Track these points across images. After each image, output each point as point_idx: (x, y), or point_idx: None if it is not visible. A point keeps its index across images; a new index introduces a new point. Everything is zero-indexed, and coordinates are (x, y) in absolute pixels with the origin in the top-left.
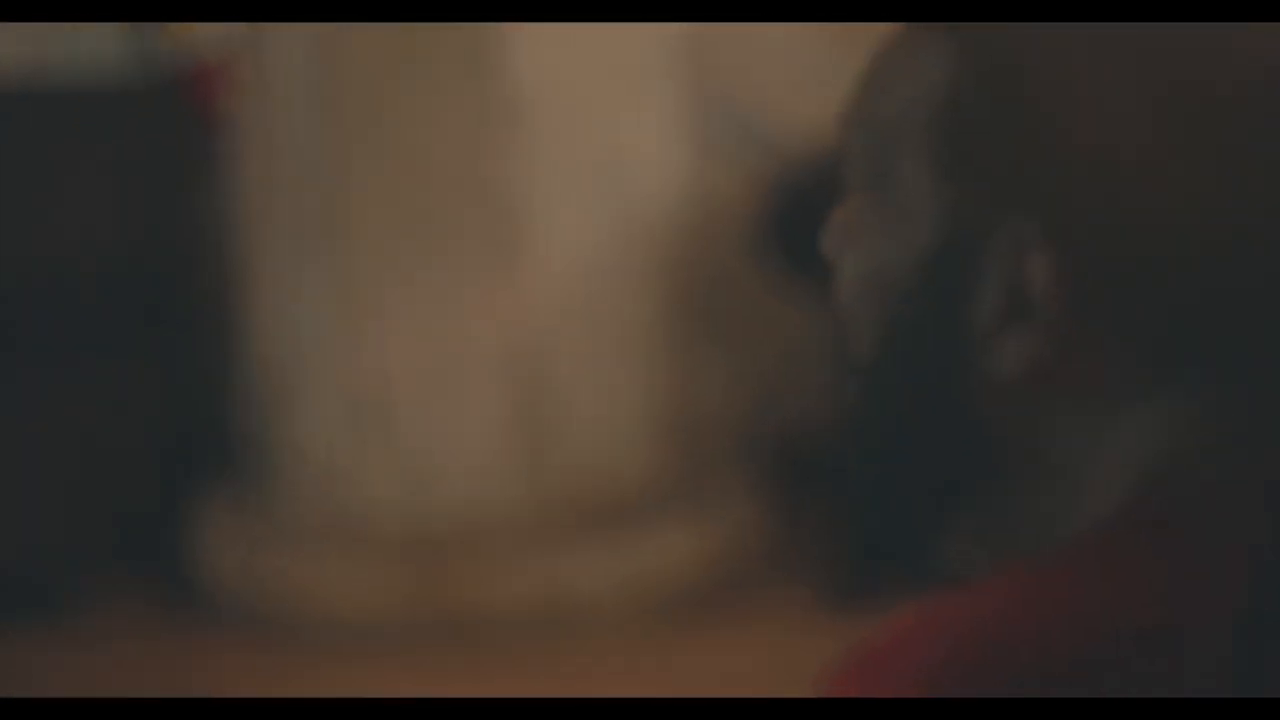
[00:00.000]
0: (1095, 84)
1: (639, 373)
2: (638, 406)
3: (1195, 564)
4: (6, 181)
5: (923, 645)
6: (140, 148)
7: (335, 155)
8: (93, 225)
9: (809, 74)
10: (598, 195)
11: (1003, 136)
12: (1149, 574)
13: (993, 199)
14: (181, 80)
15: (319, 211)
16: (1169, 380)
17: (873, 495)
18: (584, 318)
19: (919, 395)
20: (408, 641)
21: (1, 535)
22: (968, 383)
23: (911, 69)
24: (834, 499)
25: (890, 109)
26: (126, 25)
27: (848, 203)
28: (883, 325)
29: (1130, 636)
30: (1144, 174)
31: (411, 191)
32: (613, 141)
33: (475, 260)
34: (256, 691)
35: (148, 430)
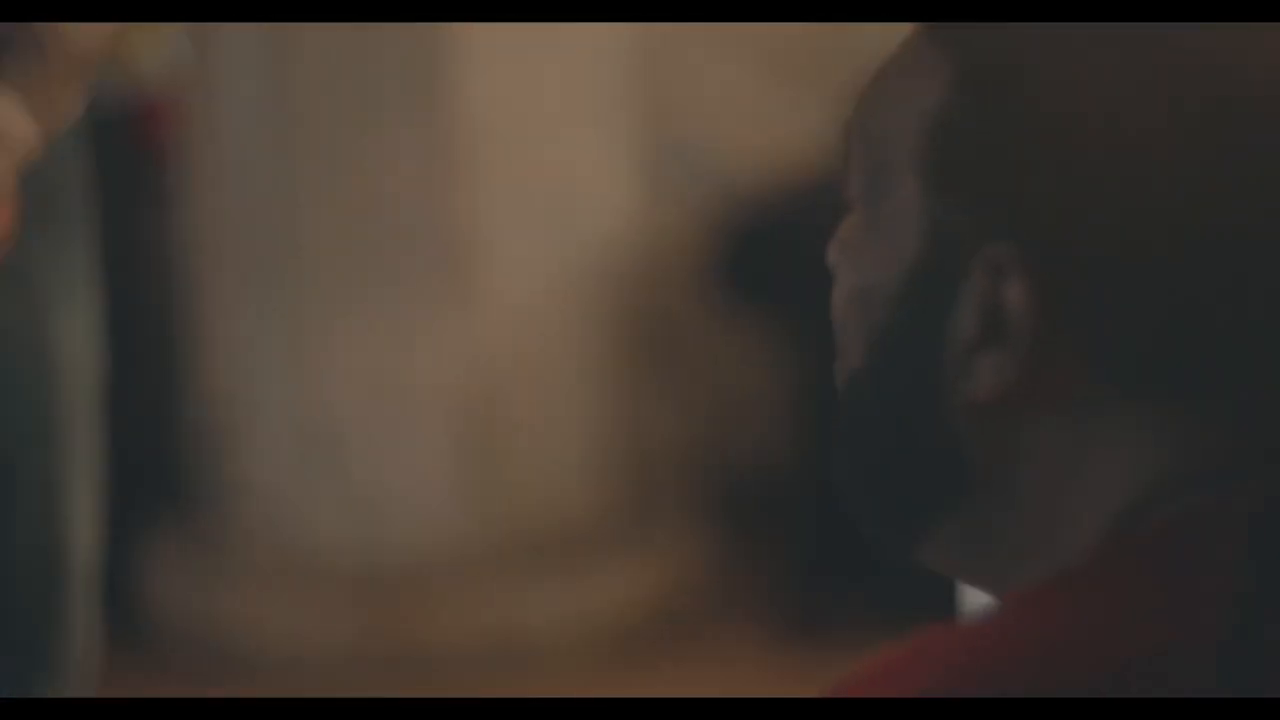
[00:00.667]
0: (1085, 112)
1: (589, 409)
2: (588, 442)
3: (1180, 590)
4: None
5: (912, 678)
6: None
7: (285, 190)
8: None
9: (762, 112)
10: (548, 231)
11: (988, 159)
12: (1135, 601)
13: (975, 221)
14: (130, 114)
15: (268, 246)
16: (1149, 405)
17: (852, 510)
18: (534, 353)
19: (899, 411)
20: (358, 677)
21: None
22: (946, 401)
23: (906, 88)
24: (785, 534)
25: (884, 126)
26: None
27: (848, 218)
28: (868, 340)
29: (1119, 665)
30: (1128, 203)
31: (362, 226)
32: (564, 177)
33: (426, 296)
34: None
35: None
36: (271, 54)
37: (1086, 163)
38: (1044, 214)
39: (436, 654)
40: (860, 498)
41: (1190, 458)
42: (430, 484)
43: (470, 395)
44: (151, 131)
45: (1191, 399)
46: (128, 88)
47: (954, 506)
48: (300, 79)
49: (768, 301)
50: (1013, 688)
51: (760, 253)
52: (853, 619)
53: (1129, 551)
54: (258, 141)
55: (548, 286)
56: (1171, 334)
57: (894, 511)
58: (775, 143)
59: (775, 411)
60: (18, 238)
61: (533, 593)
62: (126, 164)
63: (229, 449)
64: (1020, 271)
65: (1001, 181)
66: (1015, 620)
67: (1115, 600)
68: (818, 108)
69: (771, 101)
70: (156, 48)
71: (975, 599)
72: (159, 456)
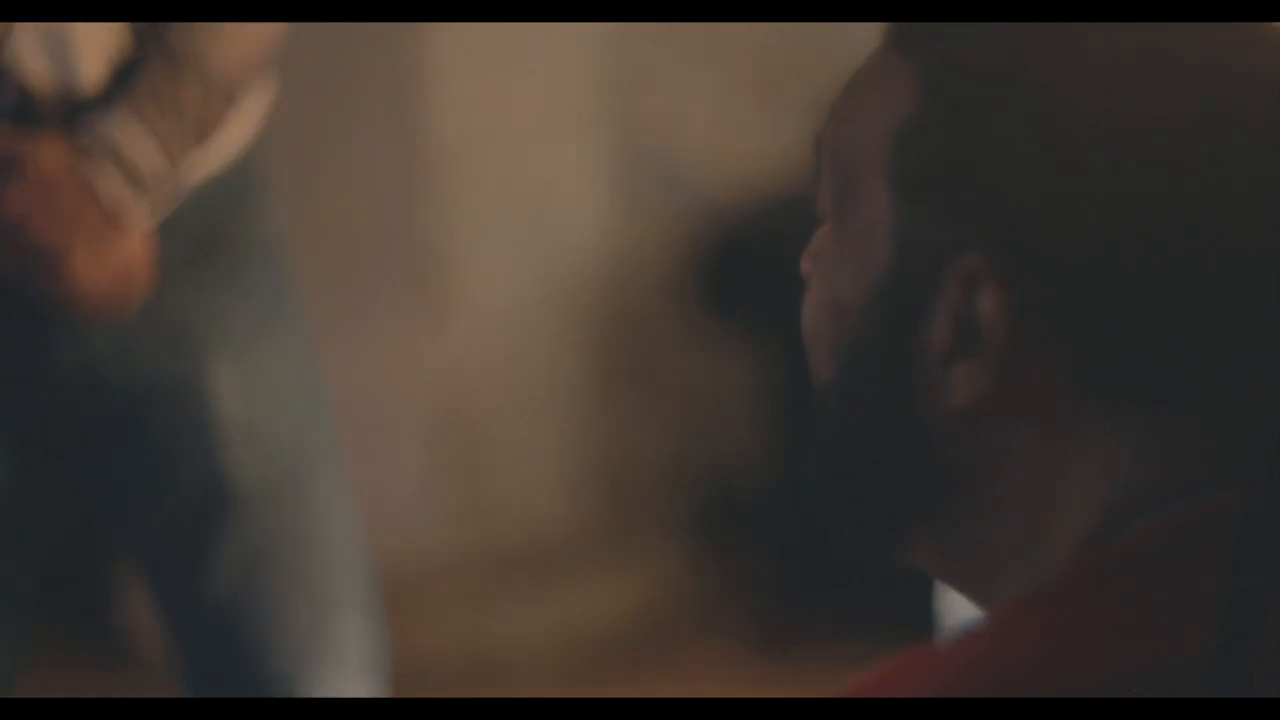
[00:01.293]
0: (1054, 121)
1: (565, 422)
2: (564, 456)
3: (1161, 600)
4: None
5: (900, 696)
6: None
7: None
8: None
9: (737, 124)
10: (523, 244)
11: (957, 169)
12: (1117, 614)
13: (945, 231)
14: None
15: None
16: (1126, 414)
17: (827, 519)
18: (510, 367)
19: (871, 422)
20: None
21: None
22: (919, 411)
23: (875, 99)
24: (763, 547)
25: (854, 137)
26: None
27: (820, 229)
28: (840, 351)
29: (1104, 680)
30: (1100, 211)
31: (335, 241)
32: (539, 190)
33: (400, 310)
34: None
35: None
36: None
37: (1056, 171)
38: (1015, 224)
39: (413, 668)
40: (835, 507)
41: (1167, 467)
42: (405, 499)
43: (445, 409)
44: None
45: (1168, 408)
46: None
47: (931, 516)
48: (275, 96)
49: (745, 314)
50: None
51: (737, 265)
52: (831, 633)
53: (1109, 563)
54: None
55: (523, 300)
56: (1146, 343)
57: (870, 521)
58: (751, 154)
59: (753, 424)
60: (165, 281)
61: (509, 607)
62: None
63: None
64: (992, 281)
65: (971, 191)
66: (1000, 636)
67: (1098, 614)
68: (795, 119)
69: (748, 113)
70: None
71: (953, 612)
72: None
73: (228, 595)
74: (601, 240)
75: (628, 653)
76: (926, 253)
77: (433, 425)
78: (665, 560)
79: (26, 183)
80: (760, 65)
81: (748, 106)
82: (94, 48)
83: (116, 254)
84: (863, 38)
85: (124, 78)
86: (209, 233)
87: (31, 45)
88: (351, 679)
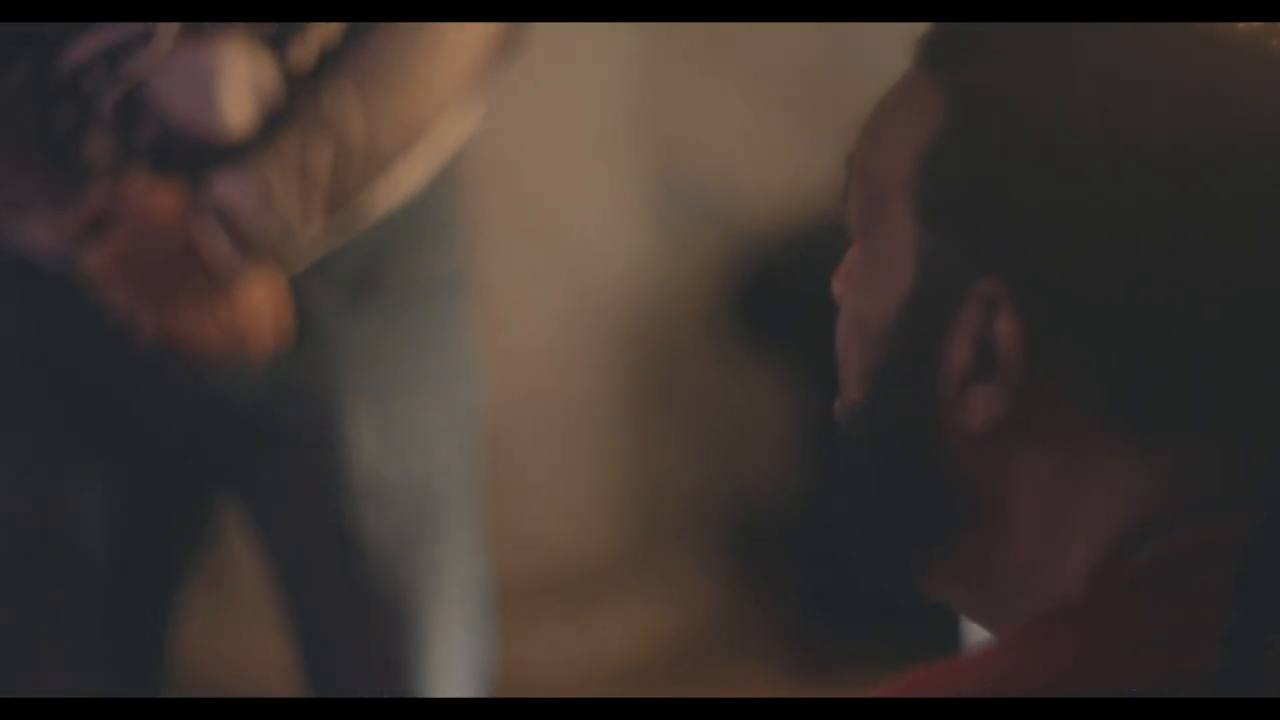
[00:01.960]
0: (1077, 145)
1: (599, 450)
2: (598, 484)
3: (1174, 622)
4: None
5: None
6: None
7: None
8: None
9: (771, 151)
10: (557, 272)
11: (980, 192)
12: (1130, 635)
13: (967, 253)
14: None
15: None
16: (1141, 437)
17: (852, 543)
18: (543, 395)
19: (897, 443)
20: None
21: None
22: (941, 433)
23: (901, 121)
24: (796, 572)
25: (881, 159)
26: None
27: (851, 250)
28: (867, 372)
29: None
30: (1119, 236)
31: None
32: (572, 218)
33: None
34: None
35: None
36: None
37: (1078, 196)
38: (1035, 247)
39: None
40: (860, 531)
41: (1182, 489)
42: None
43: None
44: None
45: (1183, 431)
46: None
47: (952, 539)
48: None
49: (779, 341)
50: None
51: (771, 292)
52: (863, 658)
53: (1123, 584)
54: None
55: (556, 326)
56: (1162, 366)
57: (894, 545)
58: (787, 182)
59: (786, 451)
60: (310, 327)
61: (541, 632)
62: None
63: None
64: (1011, 304)
65: (993, 214)
66: (1013, 655)
67: (1111, 634)
68: (830, 145)
69: (782, 139)
70: None
71: (981, 637)
72: None
73: (350, 628)
74: (635, 267)
75: (658, 676)
76: (947, 274)
77: None
78: (698, 586)
79: (136, 233)
80: (795, 91)
81: (782, 133)
82: (241, 93)
83: (228, 311)
84: (896, 63)
85: (266, 130)
86: (370, 274)
87: (179, 84)
88: None
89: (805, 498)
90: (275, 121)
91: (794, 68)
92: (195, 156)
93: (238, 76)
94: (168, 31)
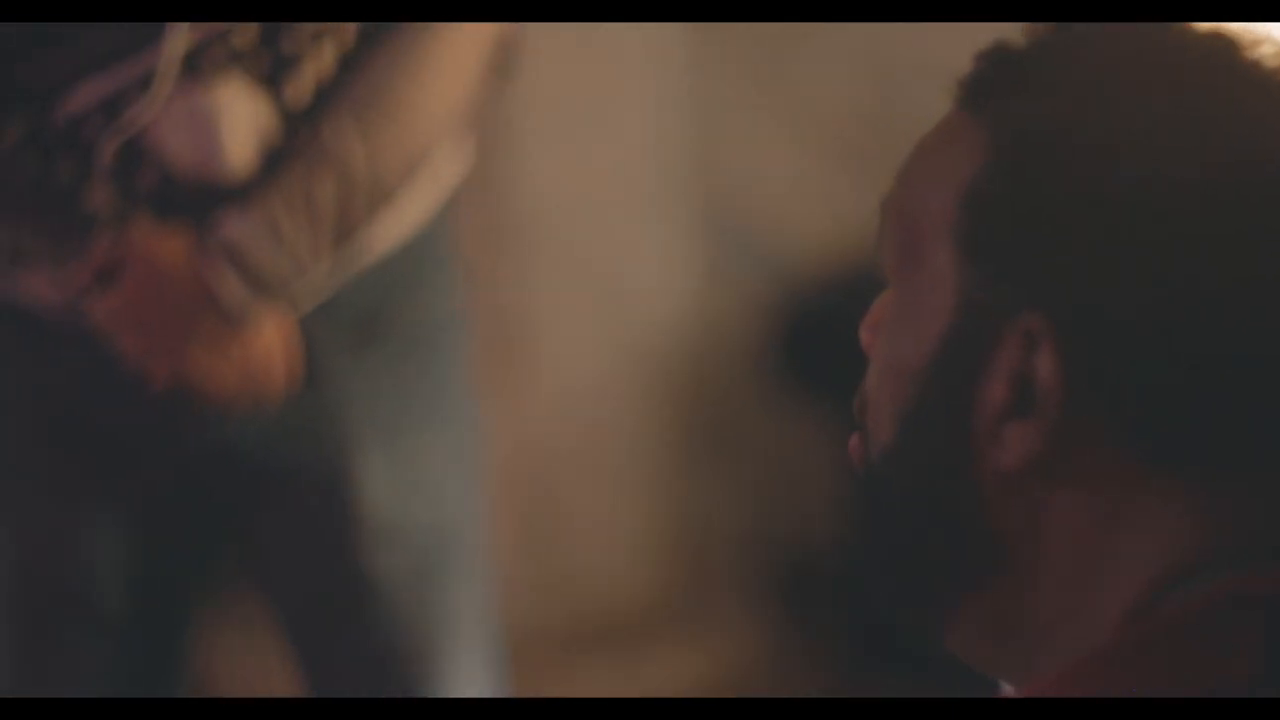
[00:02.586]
0: (1119, 182)
1: (645, 493)
2: (645, 526)
3: (1205, 673)
4: None
5: None
6: None
7: None
8: None
9: (820, 196)
10: (603, 315)
11: (1022, 228)
12: (1161, 685)
13: (1007, 289)
14: None
15: None
16: (1178, 481)
17: (883, 584)
18: (589, 438)
19: (928, 487)
20: None
21: None
22: (974, 475)
23: (943, 159)
24: (842, 617)
25: (921, 198)
26: None
27: (880, 296)
28: (898, 416)
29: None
30: (1161, 273)
31: None
32: (619, 260)
33: (482, 381)
34: None
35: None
36: None
37: (1121, 230)
38: (1076, 283)
39: None
40: (889, 578)
41: (1217, 536)
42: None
43: (524, 479)
44: None
45: (1222, 476)
46: None
47: (978, 588)
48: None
49: (826, 385)
50: None
51: (817, 334)
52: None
53: (1155, 633)
54: None
55: (602, 370)
56: (1202, 409)
57: (916, 591)
58: (834, 226)
59: (833, 494)
60: (318, 370)
61: (587, 674)
62: None
63: None
64: (1051, 341)
65: (1035, 250)
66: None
67: (1138, 686)
68: (876, 187)
69: (832, 185)
70: None
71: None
72: None
73: (359, 671)
74: (681, 310)
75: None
76: (988, 311)
77: (511, 495)
78: (744, 630)
79: (145, 280)
80: (845, 134)
81: (831, 177)
82: (243, 133)
83: (241, 352)
84: (939, 104)
85: (268, 169)
86: (374, 316)
87: (180, 128)
88: None
89: (853, 541)
90: (277, 159)
91: (843, 110)
92: (199, 199)
93: (238, 116)
94: (166, 78)
